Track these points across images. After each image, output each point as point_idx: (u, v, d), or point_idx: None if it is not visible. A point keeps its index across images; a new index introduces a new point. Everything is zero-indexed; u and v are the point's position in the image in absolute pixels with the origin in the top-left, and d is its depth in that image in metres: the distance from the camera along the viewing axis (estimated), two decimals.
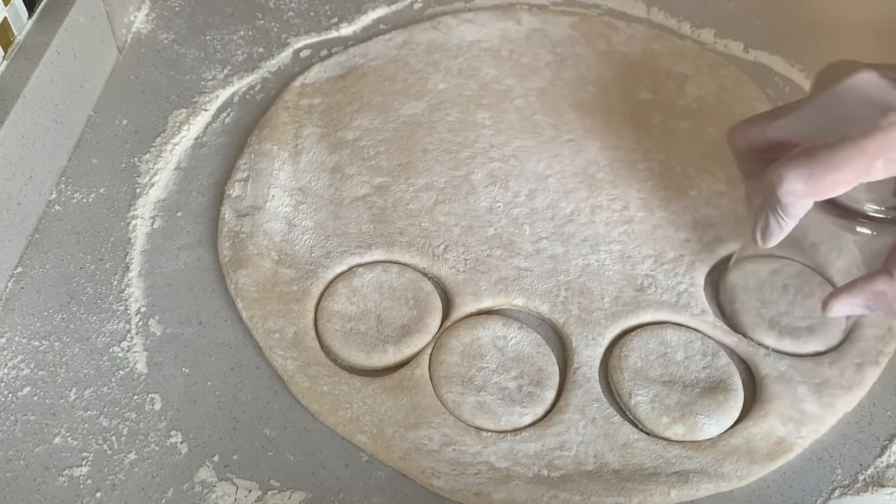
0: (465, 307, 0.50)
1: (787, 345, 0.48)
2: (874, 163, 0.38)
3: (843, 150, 0.38)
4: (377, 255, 0.52)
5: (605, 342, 0.49)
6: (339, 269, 0.51)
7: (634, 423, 0.46)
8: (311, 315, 0.49)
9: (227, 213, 0.54)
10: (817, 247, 0.49)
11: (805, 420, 0.46)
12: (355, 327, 0.49)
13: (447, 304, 0.50)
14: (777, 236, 0.42)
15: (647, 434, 0.46)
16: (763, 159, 0.41)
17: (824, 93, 0.40)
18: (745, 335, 0.49)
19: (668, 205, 0.55)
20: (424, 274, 0.52)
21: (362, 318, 0.49)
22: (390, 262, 0.52)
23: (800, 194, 0.39)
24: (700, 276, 0.52)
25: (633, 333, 0.49)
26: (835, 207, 0.41)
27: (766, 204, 0.41)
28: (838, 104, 0.40)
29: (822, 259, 0.49)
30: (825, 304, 0.44)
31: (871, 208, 0.41)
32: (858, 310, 0.44)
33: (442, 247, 0.53)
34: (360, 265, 0.51)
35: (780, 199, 0.40)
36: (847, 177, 0.38)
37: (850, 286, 0.43)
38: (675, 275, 0.51)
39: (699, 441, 0.45)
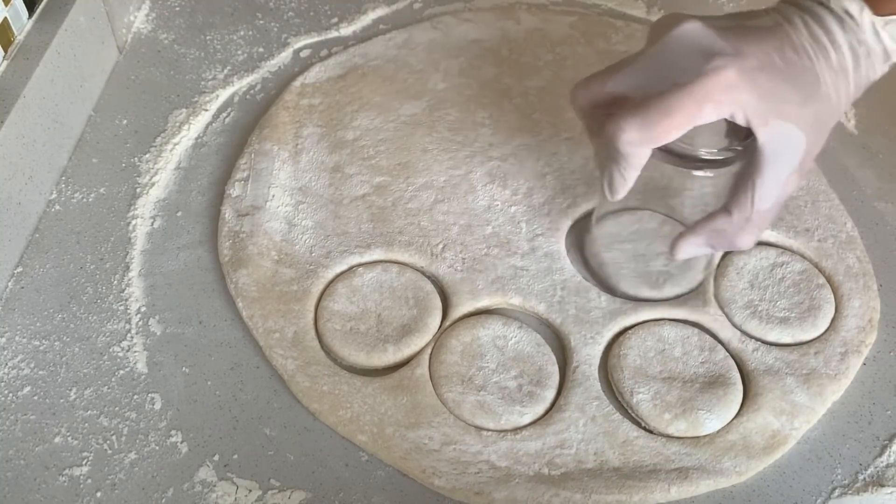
0: (462, 306, 0.50)
1: (655, 293, 0.50)
2: (703, 106, 0.39)
3: (674, 97, 0.39)
4: (377, 254, 0.52)
5: (604, 340, 0.49)
6: (339, 268, 0.51)
7: (634, 420, 0.46)
8: (311, 315, 0.49)
9: (228, 212, 0.54)
10: (670, 194, 0.50)
11: (796, 411, 0.46)
12: (355, 327, 0.49)
13: (445, 304, 0.50)
14: (622, 188, 0.43)
15: (647, 431, 0.46)
16: (604, 115, 0.42)
17: (655, 45, 0.42)
18: (612, 287, 0.51)
19: (666, 202, 0.55)
20: (423, 273, 0.52)
21: (362, 318, 0.49)
22: (390, 261, 0.52)
23: (637, 143, 0.40)
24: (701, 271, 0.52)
25: (630, 331, 0.49)
26: (673, 155, 0.43)
27: (608, 157, 0.42)
28: (668, 54, 0.41)
29: (677, 206, 0.51)
30: (673, 247, 0.47)
31: (704, 152, 0.43)
32: (703, 249, 0.46)
33: (440, 246, 0.53)
34: (360, 265, 0.51)
35: (619, 149, 0.41)
36: (679, 122, 0.40)
37: (692, 227, 0.46)
38: (690, 268, 0.51)
39: (698, 437, 0.45)
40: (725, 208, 0.44)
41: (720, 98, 0.39)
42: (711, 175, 0.45)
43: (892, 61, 0.42)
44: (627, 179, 0.43)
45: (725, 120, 0.41)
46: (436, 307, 0.50)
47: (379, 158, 0.57)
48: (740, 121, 0.40)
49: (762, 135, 0.41)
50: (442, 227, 0.54)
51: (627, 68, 0.43)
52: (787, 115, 0.41)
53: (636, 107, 0.40)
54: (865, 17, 0.41)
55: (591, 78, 0.44)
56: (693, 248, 0.46)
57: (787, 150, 0.42)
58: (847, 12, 0.41)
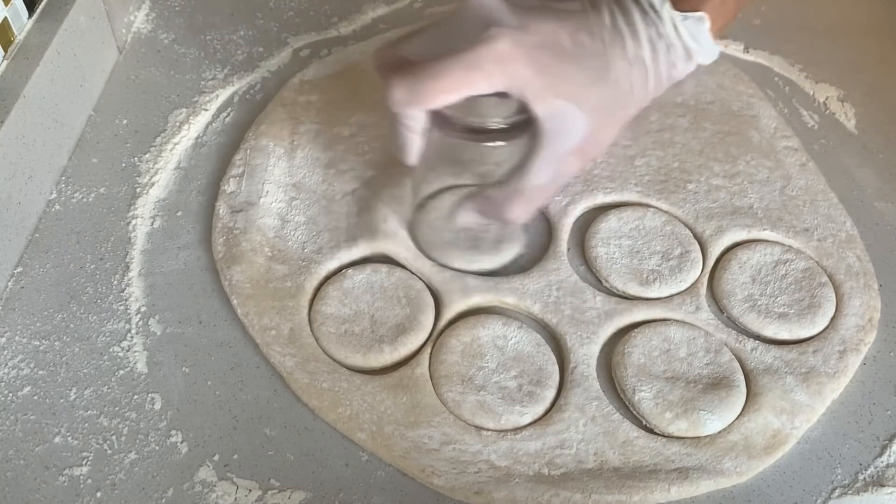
0: (454, 304, 0.50)
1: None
2: (472, 74, 0.40)
3: (444, 63, 0.40)
4: (362, 247, 0.52)
5: (601, 340, 0.49)
6: (330, 264, 0.51)
7: (635, 419, 0.46)
8: (306, 311, 0.49)
9: (222, 208, 0.53)
10: (478, 168, 0.51)
11: (796, 410, 0.46)
12: (350, 329, 0.48)
13: (437, 302, 0.50)
14: (408, 150, 0.45)
15: (648, 431, 0.46)
16: None
17: (450, 15, 0.43)
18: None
19: (667, 198, 0.55)
20: (411, 270, 0.51)
21: (356, 320, 0.49)
22: (377, 257, 0.52)
23: (404, 102, 0.41)
24: (698, 272, 0.52)
25: (636, 330, 0.49)
26: (467, 129, 0.44)
27: (390, 119, 0.44)
28: (457, 23, 0.42)
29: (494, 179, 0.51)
30: (456, 213, 0.48)
31: (493, 122, 0.44)
32: (476, 215, 0.47)
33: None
34: (349, 265, 0.51)
35: (390, 108, 0.42)
36: (446, 86, 0.40)
37: (471, 195, 0.47)
38: (680, 270, 0.51)
39: (698, 438, 0.45)
40: (502, 179, 0.45)
41: (490, 68, 0.40)
42: (501, 145, 0.45)
43: (694, 61, 0.43)
44: (410, 142, 0.44)
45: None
46: (428, 304, 0.50)
47: (373, 154, 0.57)
48: (515, 94, 0.41)
49: (538, 110, 0.41)
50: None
51: (420, 35, 0.44)
52: (566, 95, 0.41)
53: (407, 68, 0.41)
54: (665, 10, 0.42)
55: (392, 42, 0.45)
56: (468, 214, 0.47)
57: (564, 129, 0.42)
58: (651, 4, 0.42)
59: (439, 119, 0.44)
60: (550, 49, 0.41)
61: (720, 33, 0.43)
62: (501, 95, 0.42)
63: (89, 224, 0.54)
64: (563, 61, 0.41)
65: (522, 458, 0.44)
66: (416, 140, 0.44)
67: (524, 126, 0.44)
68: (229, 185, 0.55)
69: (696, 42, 0.42)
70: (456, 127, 0.44)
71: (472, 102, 0.42)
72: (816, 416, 0.46)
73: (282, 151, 0.57)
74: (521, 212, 0.46)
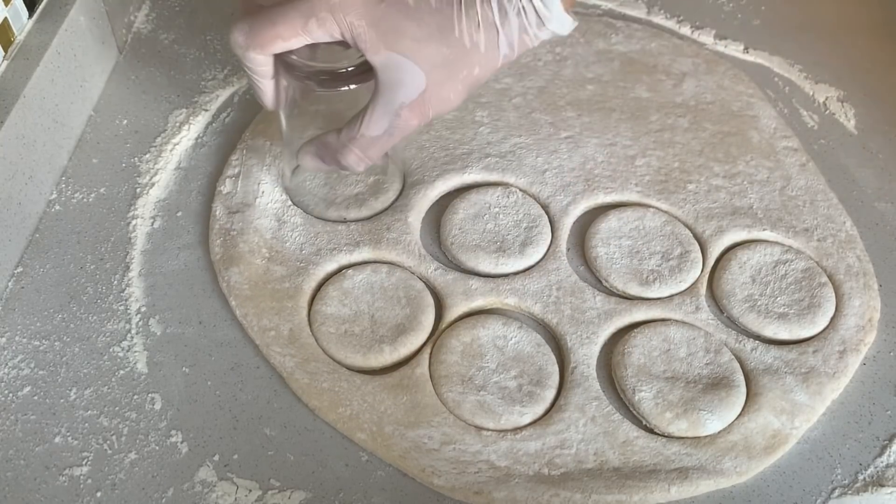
0: (456, 307, 0.50)
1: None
2: (307, 21, 0.42)
3: (282, 9, 0.42)
4: (365, 252, 0.52)
5: (601, 340, 0.49)
6: (329, 266, 0.51)
7: (635, 419, 0.46)
8: (305, 312, 0.49)
9: (219, 209, 0.53)
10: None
11: (796, 410, 0.46)
12: (350, 329, 0.48)
13: (439, 304, 0.50)
14: (263, 95, 0.47)
15: (648, 431, 0.46)
16: None
17: None
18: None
19: (667, 198, 0.55)
20: (412, 272, 0.51)
21: (356, 320, 0.49)
22: (379, 261, 0.52)
23: (244, 46, 0.43)
24: (698, 272, 0.52)
25: (636, 330, 0.49)
26: (313, 74, 0.45)
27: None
28: None
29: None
30: (297, 157, 0.50)
31: (338, 66, 0.45)
32: (316, 160, 0.49)
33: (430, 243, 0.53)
34: (349, 266, 0.51)
35: (234, 51, 0.44)
36: (283, 32, 0.42)
37: (311, 139, 0.48)
38: (680, 270, 0.51)
39: (698, 438, 0.45)
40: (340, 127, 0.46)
41: (324, 16, 0.41)
42: (352, 88, 0.46)
43: (547, 28, 0.43)
44: (263, 88, 0.46)
45: None
46: (428, 304, 0.50)
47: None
48: (352, 44, 0.42)
49: (373, 61, 0.43)
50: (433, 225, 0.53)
51: None
52: (401, 48, 0.42)
53: (249, 14, 0.43)
54: None
55: None
56: (308, 157, 0.49)
57: (398, 81, 0.43)
58: None
59: (285, 66, 0.45)
60: (391, 4, 0.42)
61: (571, 6, 0.44)
62: (346, 45, 0.43)
63: (89, 224, 0.54)
64: (402, 16, 0.42)
65: (522, 458, 0.44)
66: (267, 85, 0.46)
67: (370, 71, 0.44)
68: (225, 186, 0.55)
69: (547, 9, 0.43)
70: (300, 72, 0.45)
71: (321, 51, 0.44)
72: (816, 416, 0.46)
73: (279, 150, 0.57)
74: (355, 160, 0.47)
